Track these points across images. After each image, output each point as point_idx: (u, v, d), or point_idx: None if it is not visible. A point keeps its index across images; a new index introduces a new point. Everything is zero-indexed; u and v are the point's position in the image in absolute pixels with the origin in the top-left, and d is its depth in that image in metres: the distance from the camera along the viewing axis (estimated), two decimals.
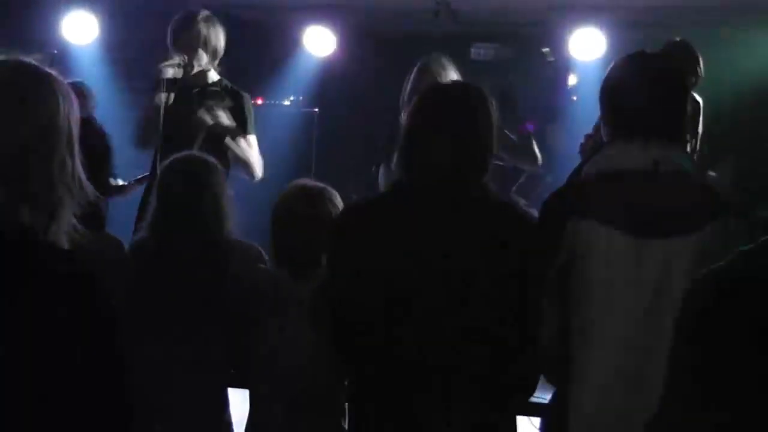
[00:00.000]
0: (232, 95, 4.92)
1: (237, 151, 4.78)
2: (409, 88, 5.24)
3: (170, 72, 4.75)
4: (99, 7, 7.61)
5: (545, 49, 8.22)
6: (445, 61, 5.29)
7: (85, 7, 7.56)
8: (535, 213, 2.87)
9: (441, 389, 2.66)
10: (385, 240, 2.70)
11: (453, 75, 5.21)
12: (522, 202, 5.49)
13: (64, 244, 1.91)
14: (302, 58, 8.30)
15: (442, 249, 2.66)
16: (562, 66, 8.36)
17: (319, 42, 8.15)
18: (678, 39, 5.62)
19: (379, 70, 8.51)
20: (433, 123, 2.75)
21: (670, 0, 7.20)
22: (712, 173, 5.42)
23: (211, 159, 3.58)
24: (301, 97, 8.64)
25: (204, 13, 4.91)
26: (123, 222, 4.31)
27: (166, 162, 3.58)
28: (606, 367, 2.65)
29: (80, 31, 7.62)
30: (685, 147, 2.82)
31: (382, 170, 5.35)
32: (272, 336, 3.22)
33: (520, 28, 8.19)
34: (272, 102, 8.48)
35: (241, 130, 4.85)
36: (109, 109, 6.46)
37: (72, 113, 1.97)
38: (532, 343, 2.67)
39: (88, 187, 1.98)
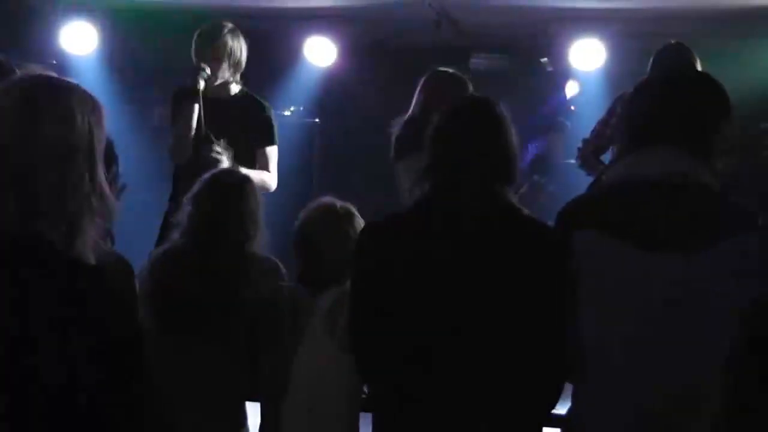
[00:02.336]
0: (256, 106, 5.06)
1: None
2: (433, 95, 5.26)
3: (202, 84, 4.86)
4: (98, 18, 7.58)
5: (544, 59, 8.23)
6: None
7: (85, 17, 7.54)
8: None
9: (466, 402, 2.66)
10: (411, 255, 2.71)
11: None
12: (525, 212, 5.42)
13: (90, 259, 1.90)
14: (303, 68, 8.28)
15: (467, 264, 2.66)
16: (560, 76, 8.37)
17: (319, 53, 8.14)
18: (673, 42, 5.54)
19: (379, 81, 8.49)
20: (459, 137, 2.76)
21: (670, 10, 7.16)
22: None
23: (249, 175, 3.71)
24: (301, 108, 8.61)
25: (229, 25, 5.01)
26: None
27: (206, 175, 3.66)
28: (616, 381, 2.59)
29: (79, 41, 7.60)
30: (709, 157, 2.71)
31: (401, 171, 5.34)
32: (290, 350, 3.25)
33: (521, 39, 8.18)
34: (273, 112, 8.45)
35: (267, 140, 5.03)
36: (109, 119, 6.41)
37: (94, 126, 1.97)
38: (557, 355, 2.66)
39: (111, 200, 1.99)
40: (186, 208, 3.58)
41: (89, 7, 7.54)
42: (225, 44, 4.94)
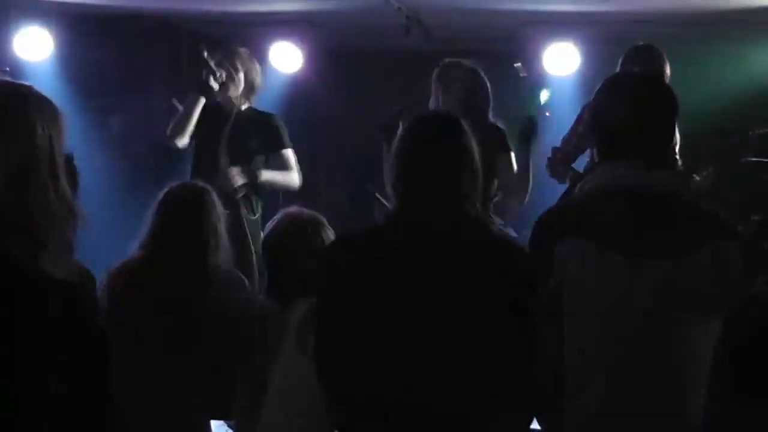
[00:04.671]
0: (262, 118, 5.57)
1: (275, 183, 5.51)
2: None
3: (214, 82, 5.33)
4: (53, 23, 7.44)
5: (517, 64, 8.11)
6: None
7: (39, 22, 7.38)
8: (512, 234, 2.93)
9: (431, 425, 2.60)
10: (377, 272, 2.67)
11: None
12: (498, 221, 5.26)
13: (56, 273, 1.83)
14: (268, 75, 8.09)
15: (435, 281, 2.62)
16: (534, 81, 8.27)
17: (285, 59, 7.98)
18: (641, 43, 5.48)
19: (347, 87, 8.37)
20: (423, 153, 2.74)
21: (644, 15, 7.21)
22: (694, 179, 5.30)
23: (209, 188, 3.73)
24: None
25: (246, 50, 5.63)
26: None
27: (166, 188, 3.65)
28: (598, 393, 2.56)
29: (34, 47, 7.41)
30: (672, 164, 2.76)
31: None
32: (260, 366, 3.21)
33: (493, 43, 8.10)
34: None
35: (279, 145, 5.55)
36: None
37: (54, 134, 1.89)
38: (531, 373, 2.59)
39: (77, 210, 1.91)
40: (146, 221, 3.54)
41: (44, 12, 7.38)
42: (242, 61, 5.47)
